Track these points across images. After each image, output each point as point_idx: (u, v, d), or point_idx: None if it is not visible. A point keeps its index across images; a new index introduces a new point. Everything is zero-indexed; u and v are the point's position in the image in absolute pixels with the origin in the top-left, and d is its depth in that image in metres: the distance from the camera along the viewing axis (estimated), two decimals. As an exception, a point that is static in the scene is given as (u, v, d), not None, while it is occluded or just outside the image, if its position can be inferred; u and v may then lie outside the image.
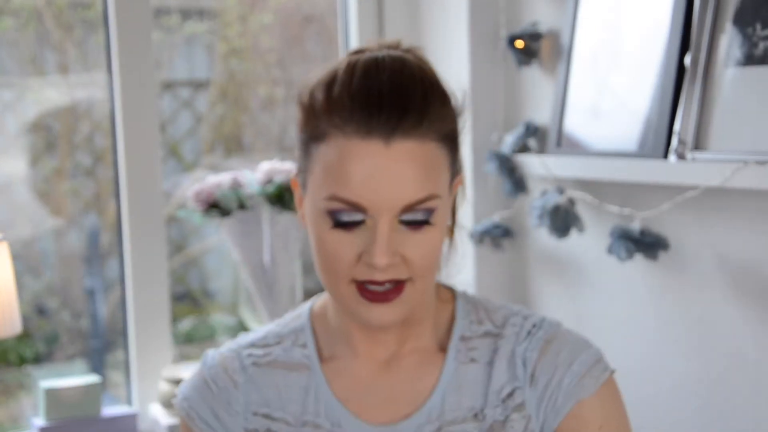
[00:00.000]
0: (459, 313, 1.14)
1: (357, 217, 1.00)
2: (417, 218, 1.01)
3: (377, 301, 1.02)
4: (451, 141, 1.05)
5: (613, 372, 1.09)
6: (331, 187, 1.00)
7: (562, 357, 1.08)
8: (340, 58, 1.06)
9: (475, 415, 1.09)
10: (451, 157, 1.05)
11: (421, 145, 1.00)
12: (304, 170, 1.06)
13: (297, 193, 1.11)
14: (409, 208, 1.00)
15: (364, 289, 1.02)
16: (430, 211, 1.01)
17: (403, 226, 1.01)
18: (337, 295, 1.05)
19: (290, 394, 1.12)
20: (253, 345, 1.16)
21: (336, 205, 1.00)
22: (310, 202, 1.04)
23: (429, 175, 1.01)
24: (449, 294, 1.16)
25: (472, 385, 1.10)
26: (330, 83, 1.02)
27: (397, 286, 1.02)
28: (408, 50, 1.07)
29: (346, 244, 1.01)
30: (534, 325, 1.11)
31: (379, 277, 1.01)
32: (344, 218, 1.00)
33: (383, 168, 0.99)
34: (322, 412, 1.10)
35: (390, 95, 1.00)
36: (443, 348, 1.12)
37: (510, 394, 1.09)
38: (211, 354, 1.17)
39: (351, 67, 1.02)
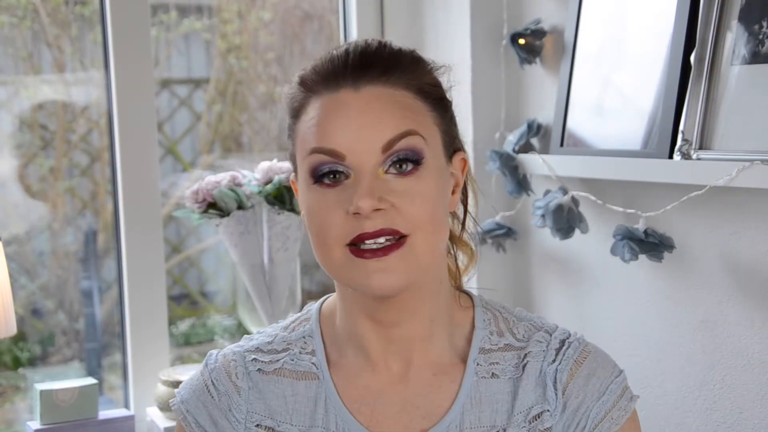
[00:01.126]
0: (478, 323, 1.10)
1: (338, 168, 0.99)
2: (401, 158, 0.99)
3: (374, 257, 0.98)
4: (433, 98, 1.04)
5: (637, 399, 1.08)
6: (310, 143, 1.01)
7: (591, 385, 1.06)
8: None
9: None
10: (438, 117, 1.05)
11: (394, 90, 1.01)
12: (293, 154, 1.06)
13: (296, 189, 1.09)
14: (389, 147, 0.99)
15: (358, 250, 0.99)
16: (415, 152, 1.00)
17: (390, 175, 1.00)
18: (333, 266, 1.01)
19: (298, 405, 1.08)
20: (259, 350, 1.12)
21: (316, 159, 1.00)
22: (299, 180, 1.04)
23: (405, 114, 1.01)
24: (468, 300, 1.13)
25: (493, 402, 1.06)
26: (304, 67, 1.06)
27: (396, 242, 0.98)
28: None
29: (333, 203, 0.99)
30: (561, 342, 1.09)
31: (369, 226, 0.97)
32: (325, 170, 1.00)
33: (355, 112, 0.99)
34: (332, 423, 1.06)
35: (357, 52, 1.02)
36: (462, 359, 1.08)
37: (538, 416, 1.05)
38: (214, 355, 1.13)
39: (327, 51, 1.06)
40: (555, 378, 1.06)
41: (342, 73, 1.01)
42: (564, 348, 1.08)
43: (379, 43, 1.05)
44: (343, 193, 0.99)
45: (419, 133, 1.00)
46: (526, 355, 1.08)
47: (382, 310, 1.05)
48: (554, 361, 1.07)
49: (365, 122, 0.99)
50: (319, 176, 1.00)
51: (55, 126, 2.50)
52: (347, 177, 0.99)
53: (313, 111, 1.02)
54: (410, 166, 1.00)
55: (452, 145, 1.07)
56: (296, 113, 1.05)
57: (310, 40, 2.78)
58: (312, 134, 1.01)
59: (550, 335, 1.09)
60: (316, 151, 1.00)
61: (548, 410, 1.05)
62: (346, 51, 1.03)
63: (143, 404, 2.05)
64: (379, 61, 1.02)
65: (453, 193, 1.07)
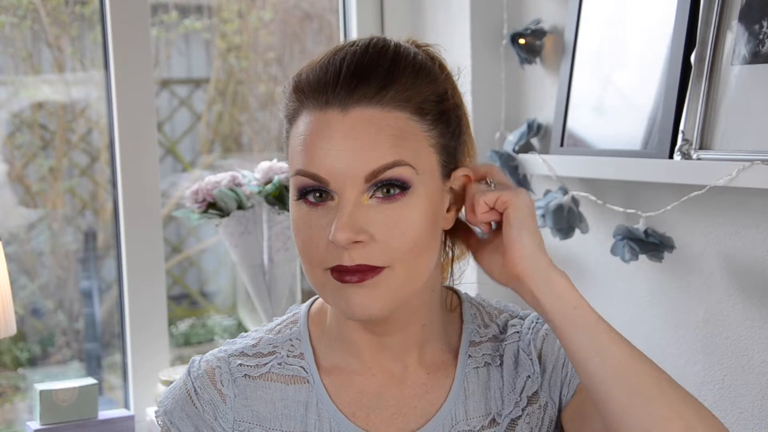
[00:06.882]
0: (466, 317, 1.11)
1: (323, 188, 0.96)
2: (386, 183, 0.94)
3: (351, 282, 0.95)
4: (434, 114, 0.98)
5: None
6: (297, 163, 0.97)
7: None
8: None
9: (492, 420, 1.06)
10: (437, 135, 0.98)
11: (385, 112, 0.95)
12: (287, 157, 1.03)
13: None
14: (374, 176, 0.94)
15: (338, 274, 0.96)
16: (402, 181, 0.94)
17: (375, 200, 0.95)
18: (318, 286, 0.99)
19: (288, 410, 1.05)
20: (243, 354, 1.07)
21: (300, 180, 0.97)
22: (290, 190, 1.01)
23: (397, 142, 0.94)
24: (456, 299, 1.14)
25: (485, 390, 1.07)
26: (303, 67, 1.01)
27: (371, 269, 0.95)
28: (410, 41, 1.04)
29: (317, 227, 0.96)
30: (532, 322, 1.12)
31: (347, 259, 0.94)
32: (309, 192, 0.97)
33: (340, 137, 0.94)
34: (326, 428, 1.04)
35: (351, 65, 0.96)
36: (454, 354, 1.09)
37: (524, 387, 1.07)
38: (197, 362, 1.08)
39: (327, 51, 1.01)
40: (529, 348, 1.08)
41: (332, 90, 0.95)
42: (533, 325, 1.11)
43: (381, 49, 0.98)
44: (327, 215, 0.95)
45: (408, 162, 0.95)
46: (503, 340, 1.10)
47: (372, 323, 1.03)
48: (526, 337, 1.10)
49: (350, 149, 0.93)
50: (303, 193, 0.97)
51: (54, 126, 2.49)
52: (332, 198, 0.96)
53: (302, 125, 0.97)
54: (397, 191, 0.95)
55: (452, 162, 1.01)
56: (290, 120, 1.01)
57: (310, 40, 2.78)
58: (298, 153, 0.97)
59: (523, 320, 1.12)
60: (300, 173, 0.96)
61: (529, 375, 1.07)
62: (342, 61, 0.96)
63: (143, 404, 2.05)
64: (374, 76, 0.95)
65: (449, 210, 1.03)
